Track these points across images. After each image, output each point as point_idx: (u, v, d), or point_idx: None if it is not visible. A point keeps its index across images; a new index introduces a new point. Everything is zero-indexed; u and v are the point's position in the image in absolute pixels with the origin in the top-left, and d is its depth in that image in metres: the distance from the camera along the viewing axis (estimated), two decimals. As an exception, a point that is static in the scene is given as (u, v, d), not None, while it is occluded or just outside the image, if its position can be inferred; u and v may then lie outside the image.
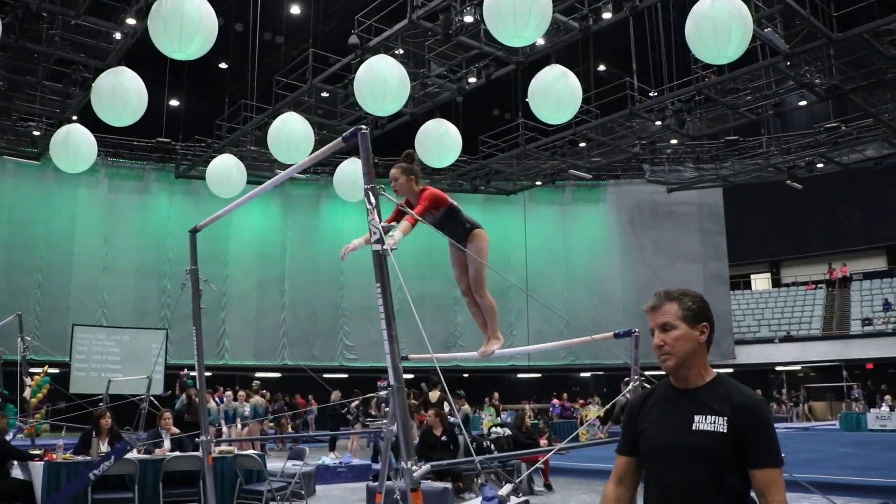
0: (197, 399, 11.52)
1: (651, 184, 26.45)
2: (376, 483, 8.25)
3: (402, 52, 15.72)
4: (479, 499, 6.54)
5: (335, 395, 15.08)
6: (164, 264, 24.27)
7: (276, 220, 26.11)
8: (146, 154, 24.05)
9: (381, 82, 13.17)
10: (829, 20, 15.27)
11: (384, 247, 3.01)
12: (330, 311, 25.53)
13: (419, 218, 4.04)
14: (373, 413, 13.76)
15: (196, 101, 23.67)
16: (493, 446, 9.92)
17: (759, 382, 26.03)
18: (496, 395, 17.33)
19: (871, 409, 22.87)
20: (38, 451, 7.53)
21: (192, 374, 20.93)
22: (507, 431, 10.57)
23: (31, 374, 18.42)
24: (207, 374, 21.88)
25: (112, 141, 22.44)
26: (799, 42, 15.64)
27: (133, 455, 6.88)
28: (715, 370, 2.28)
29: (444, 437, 9.14)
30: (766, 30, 14.75)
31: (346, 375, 23.98)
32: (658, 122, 20.36)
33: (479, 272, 4.51)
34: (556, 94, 13.87)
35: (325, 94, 18.86)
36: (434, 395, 10.77)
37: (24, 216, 23.07)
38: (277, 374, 24.64)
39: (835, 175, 25.70)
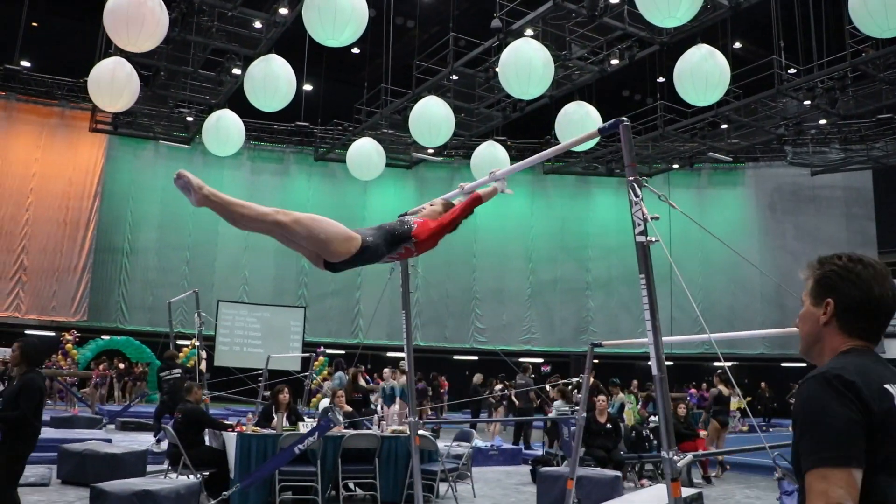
0: (356, 379, 11.93)
1: (793, 166, 25.12)
2: (546, 468, 8.31)
3: (531, 33, 15.48)
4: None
5: (477, 378, 15.22)
6: (303, 244, 25.19)
7: (411, 202, 26.42)
8: (286, 138, 25.00)
9: (527, 65, 13.11)
10: None
11: (648, 238, 2.99)
12: (462, 293, 25.73)
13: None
14: (514, 399, 13.80)
15: (331, 85, 24.32)
16: (652, 435, 9.76)
17: (916, 381, 24.30)
18: (635, 382, 17.04)
19: None
20: (230, 423, 7.99)
21: (328, 351, 21.71)
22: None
23: (180, 347, 19.68)
24: (340, 352, 22.42)
25: (254, 125, 23.41)
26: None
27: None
28: (845, 348, 1.65)
29: (608, 425, 9.08)
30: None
31: (475, 358, 24.17)
32: (807, 102, 19.28)
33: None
34: (703, 74, 13.42)
35: (454, 77, 18.85)
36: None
37: (174, 197, 24.46)
38: (410, 354, 25.07)
39: None
